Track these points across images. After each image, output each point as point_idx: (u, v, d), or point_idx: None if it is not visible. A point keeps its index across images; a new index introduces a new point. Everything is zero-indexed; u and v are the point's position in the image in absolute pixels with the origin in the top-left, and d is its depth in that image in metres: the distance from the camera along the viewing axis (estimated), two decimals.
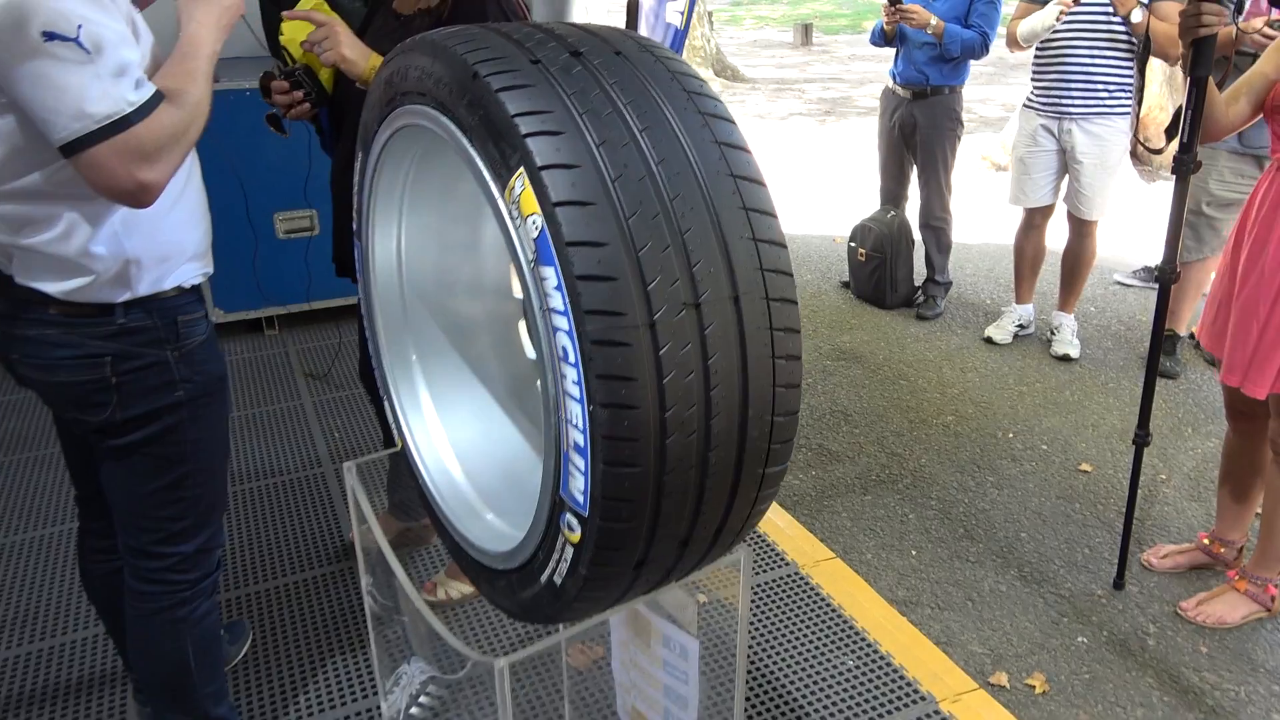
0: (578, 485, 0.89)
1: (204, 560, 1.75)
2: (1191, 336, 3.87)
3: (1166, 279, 2.12)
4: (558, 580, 0.98)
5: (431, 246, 1.30)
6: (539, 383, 0.91)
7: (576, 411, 0.86)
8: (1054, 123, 3.75)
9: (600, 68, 0.92)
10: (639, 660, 1.51)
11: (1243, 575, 2.46)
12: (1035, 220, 4.01)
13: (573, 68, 0.91)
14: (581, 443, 0.87)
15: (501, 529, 1.18)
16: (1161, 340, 2.23)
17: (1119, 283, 4.86)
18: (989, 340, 4.19)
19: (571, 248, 0.82)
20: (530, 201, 0.84)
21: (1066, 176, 3.86)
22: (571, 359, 0.84)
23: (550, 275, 0.84)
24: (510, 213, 0.87)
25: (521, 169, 0.85)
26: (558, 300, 0.84)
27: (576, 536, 0.92)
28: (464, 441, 1.30)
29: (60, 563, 2.65)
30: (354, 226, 1.32)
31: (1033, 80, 3.82)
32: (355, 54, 1.70)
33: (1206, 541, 2.63)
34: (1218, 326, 2.22)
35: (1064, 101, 3.68)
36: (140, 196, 1.37)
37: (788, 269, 0.93)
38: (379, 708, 2.08)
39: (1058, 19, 3.51)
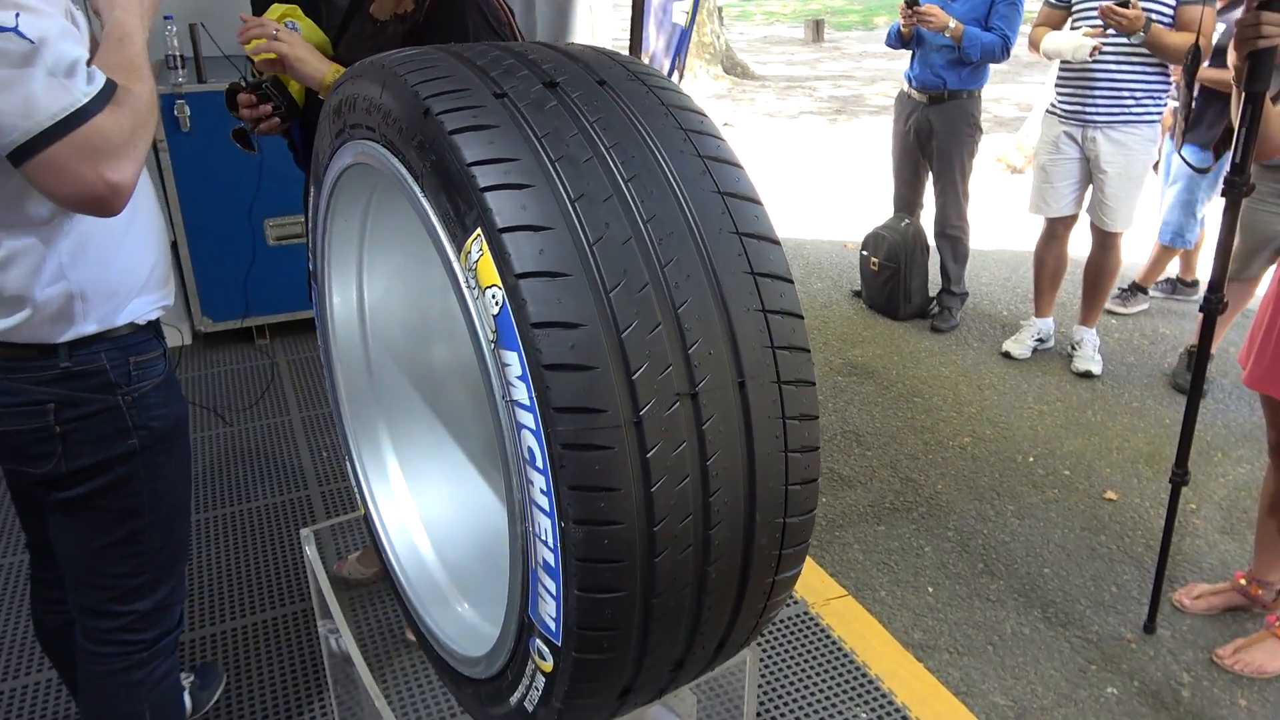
0: (548, 610, 0.74)
1: (163, 618, 1.60)
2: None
3: (1213, 309, 1.96)
4: (529, 708, 0.83)
5: (398, 292, 1.15)
6: (503, 485, 0.75)
7: (545, 526, 0.71)
8: (1078, 130, 3.58)
9: (579, 102, 0.76)
10: None
11: None
12: (1057, 230, 3.83)
13: (546, 103, 0.75)
14: (552, 563, 0.71)
15: (473, 623, 1.03)
16: (1204, 374, 2.06)
17: (1109, 310, 4.46)
18: (1007, 355, 4.02)
19: (539, 330, 0.66)
20: (489, 271, 0.69)
21: (1090, 186, 3.69)
22: (539, 464, 0.69)
23: (513, 362, 0.69)
24: (467, 281, 0.72)
25: (479, 230, 0.69)
26: (522, 392, 0.68)
27: (549, 666, 0.77)
28: (435, 513, 1.15)
29: (10, 598, 2.51)
30: (309, 267, 1.17)
31: (1056, 86, 3.64)
32: (308, 53, 1.55)
33: (1243, 582, 2.46)
34: (1264, 364, 2.05)
35: (1088, 109, 3.51)
36: (112, 201, 1.21)
37: (804, 344, 0.77)
38: None
39: (1091, 54, 3.34)
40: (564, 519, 0.68)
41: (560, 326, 0.67)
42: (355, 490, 1.20)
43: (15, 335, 1.34)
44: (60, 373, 1.38)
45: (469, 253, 0.71)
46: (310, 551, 1.23)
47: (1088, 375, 3.85)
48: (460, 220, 0.71)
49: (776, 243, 0.78)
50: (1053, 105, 3.68)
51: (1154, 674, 2.29)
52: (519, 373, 0.68)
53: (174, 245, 3.83)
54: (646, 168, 0.74)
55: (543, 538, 0.71)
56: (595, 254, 0.69)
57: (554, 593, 0.72)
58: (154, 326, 1.51)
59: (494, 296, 0.69)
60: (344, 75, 0.91)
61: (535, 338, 0.66)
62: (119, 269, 1.42)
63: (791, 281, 0.78)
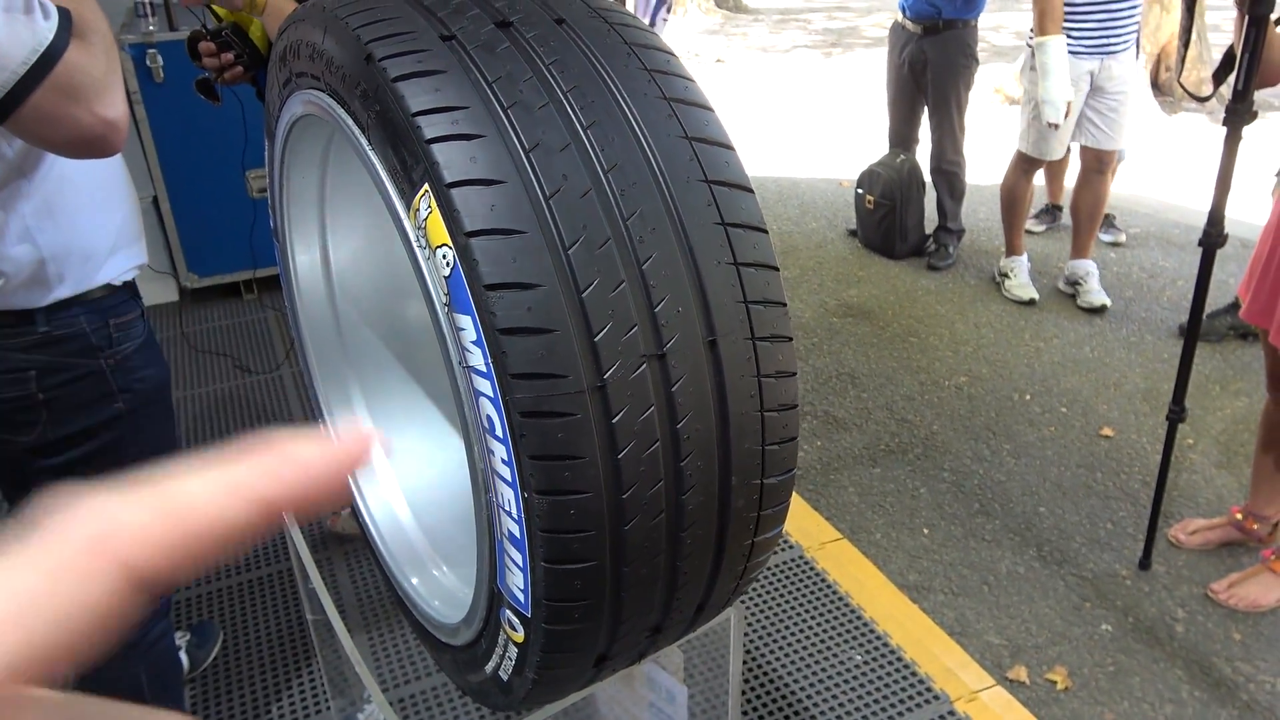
0: (516, 581, 0.71)
1: None
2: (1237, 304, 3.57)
3: (1212, 243, 1.91)
4: (503, 676, 0.81)
5: (364, 247, 1.10)
6: (464, 453, 0.72)
7: (509, 497, 0.67)
8: (1097, 62, 3.46)
9: (535, 42, 0.71)
10: (622, 700, 1.35)
11: (1278, 555, 2.30)
12: (1037, 166, 3.77)
13: (498, 44, 0.70)
14: (517, 534, 0.68)
15: (451, 588, 1.01)
16: (1203, 308, 2.02)
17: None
18: (1030, 302, 3.88)
19: (492, 292, 0.62)
20: (439, 229, 0.64)
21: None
22: (498, 432, 0.65)
23: (467, 326, 0.65)
24: (417, 240, 0.68)
25: (426, 186, 0.65)
26: (478, 358, 0.65)
27: (520, 637, 0.74)
28: (412, 474, 1.12)
29: None
30: (270, 224, 1.12)
31: (1075, 20, 3.42)
32: None
33: (1239, 516, 2.46)
34: (1264, 296, 2.01)
35: (1114, 39, 3.41)
36: (112, 139, 1.16)
37: (779, 298, 0.73)
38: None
39: None
40: (526, 489, 0.65)
41: (515, 288, 0.62)
42: None
43: None
44: (39, 338, 1.34)
45: (418, 210, 0.66)
46: (288, 519, 1.20)
47: (1102, 309, 3.79)
48: (407, 175, 0.67)
49: (749, 190, 0.74)
50: (1075, 45, 3.47)
51: (1149, 610, 2.30)
52: (474, 337, 0.64)
53: (154, 201, 3.75)
54: (608, 113, 0.69)
55: (506, 509, 0.68)
56: (552, 208, 0.64)
57: (521, 564, 0.69)
58: (130, 287, 1.48)
59: (444, 257, 0.64)
60: (287, 19, 0.85)
61: (489, 300, 0.62)
62: (88, 229, 1.37)
63: (765, 232, 0.73)
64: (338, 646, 1.36)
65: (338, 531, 2.53)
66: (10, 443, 1.41)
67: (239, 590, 2.34)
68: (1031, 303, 3.89)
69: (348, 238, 1.09)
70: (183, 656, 2.07)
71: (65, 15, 1.12)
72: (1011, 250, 3.98)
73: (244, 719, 1.98)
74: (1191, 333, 2.08)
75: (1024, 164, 3.78)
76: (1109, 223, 4.47)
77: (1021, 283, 3.94)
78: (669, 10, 3.59)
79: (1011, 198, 3.87)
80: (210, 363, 3.53)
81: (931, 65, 4.00)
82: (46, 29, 1.08)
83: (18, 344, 1.33)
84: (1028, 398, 3.25)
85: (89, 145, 1.15)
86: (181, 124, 3.64)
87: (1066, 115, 3.42)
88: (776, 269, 0.73)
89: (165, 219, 3.79)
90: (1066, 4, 3.38)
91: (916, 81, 4.13)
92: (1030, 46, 3.49)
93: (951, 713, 1.96)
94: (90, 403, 1.40)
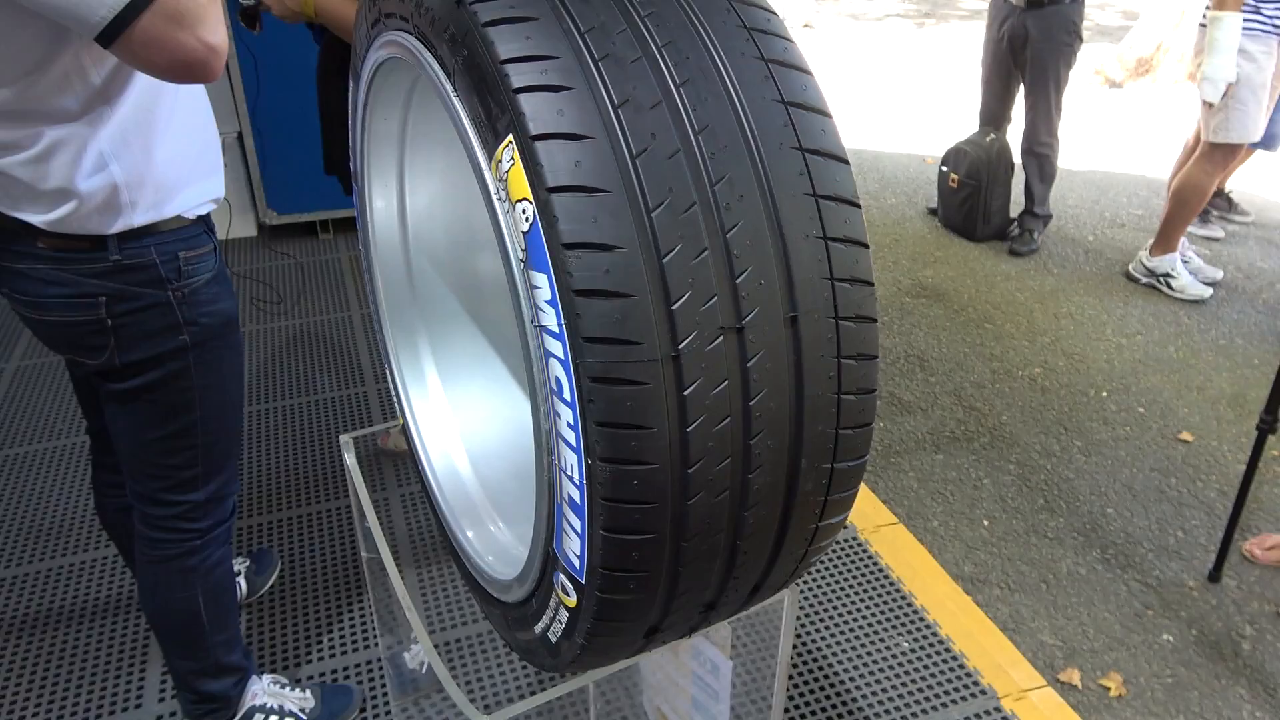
0: (573, 547, 0.70)
1: (216, 508, 1.64)
2: None
3: None
4: (552, 639, 0.80)
5: (441, 196, 1.09)
6: (530, 413, 0.70)
7: (571, 461, 0.66)
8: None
9: None
10: (665, 666, 1.35)
11: None
12: (1236, 156, 3.57)
13: None
14: (578, 499, 0.67)
15: (506, 544, 1.00)
16: None
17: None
18: (1197, 301, 3.71)
19: (571, 251, 0.60)
20: (520, 183, 0.62)
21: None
22: (566, 396, 0.64)
23: (543, 284, 0.63)
24: (497, 193, 0.66)
25: (510, 137, 0.63)
26: (551, 318, 0.63)
27: (572, 601, 0.73)
28: (473, 427, 1.12)
29: (73, 477, 2.60)
30: (350, 166, 1.12)
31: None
32: None
33: None
34: None
35: None
36: (214, 63, 1.18)
37: (868, 277, 0.70)
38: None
39: None
40: (590, 456, 0.64)
41: (594, 248, 0.60)
42: (394, 398, 1.18)
43: (64, 226, 1.34)
44: (111, 265, 1.37)
45: (500, 161, 0.64)
46: (350, 460, 1.22)
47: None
48: (492, 124, 0.65)
49: (845, 161, 0.70)
50: (1272, 23, 3.27)
51: (1214, 623, 2.21)
52: (548, 296, 0.62)
53: (239, 137, 3.82)
54: (702, 71, 0.66)
55: (569, 473, 0.67)
56: (638, 168, 0.62)
57: (579, 530, 0.68)
58: (204, 221, 1.50)
59: (524, 211, 0.63)
60: None
61: (567, 259, 0.60)
62: (163, 158, 1.39)
63: (859, 206, 0.70)
64: (389, 585, 1.38)
65: (389, 449, 2.58)
66: (81, 364, 1.46)
67: (299, 522, 2.41)
68: (1198, 301, 3.72)
69: (426, 185, 1.08)
70: (241, 582, 2.14)
71: None
72: (1168, 248, 3.77)
73: (295, 647, 2.04)
74: None
75: (1217, 155, 3.52)
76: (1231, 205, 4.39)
77: (1189, 282, 3.76)
78: None
79: (1198, 194, 3.61)
80: (281, 299, 3.61)
81: (1032, 41, 3.83)
82: None
83: (91, 270, 1.37)
84: (1104, 395, 3.13)
85: (191, 69, 1.17)
86: (269, 63, 3.68)
87: (1226, 95, 3.24)
88: (867, 246, 0.70)
89: (248, 156, 3.86)
90: None
91: (1015, 57, 3.96)
92: (1204, 25, 3.32)
93: (997, 709, 1.92)
94: (156, 332, 1.43)
